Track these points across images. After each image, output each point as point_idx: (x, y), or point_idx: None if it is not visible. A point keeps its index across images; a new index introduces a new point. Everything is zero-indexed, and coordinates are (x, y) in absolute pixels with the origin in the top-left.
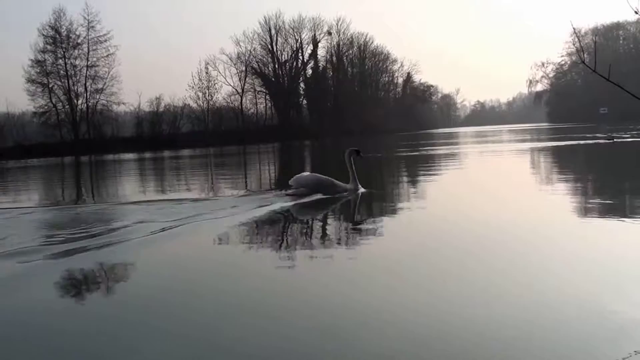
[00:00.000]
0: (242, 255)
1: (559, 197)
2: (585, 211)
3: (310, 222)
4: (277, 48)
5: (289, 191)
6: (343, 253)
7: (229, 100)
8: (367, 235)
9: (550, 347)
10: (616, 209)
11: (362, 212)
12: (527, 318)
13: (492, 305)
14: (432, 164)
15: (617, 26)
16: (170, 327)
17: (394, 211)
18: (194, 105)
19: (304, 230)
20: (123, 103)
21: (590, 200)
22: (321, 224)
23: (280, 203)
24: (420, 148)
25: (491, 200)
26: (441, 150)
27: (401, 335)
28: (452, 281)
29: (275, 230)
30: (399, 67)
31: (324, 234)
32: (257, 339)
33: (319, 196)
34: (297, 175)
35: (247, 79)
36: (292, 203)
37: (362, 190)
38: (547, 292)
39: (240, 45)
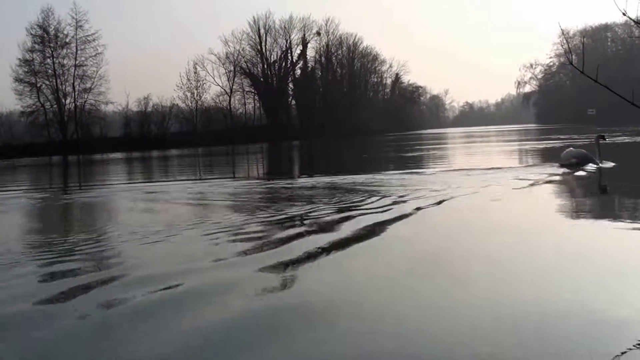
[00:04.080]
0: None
1: None
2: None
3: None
4: (266, 48)
5: (563, 163)
6: None
7: (217, 101)
8: None
9: (544, 346)
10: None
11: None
12: (524, 317)
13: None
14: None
15: (606, 28)
16: None
17: None
18: (182, 105)
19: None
20: (111, 103)
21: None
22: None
23: (559, 170)
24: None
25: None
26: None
27: None
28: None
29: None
30: (388, 68)
31: None
32: None
33: (588, 166)
34: (567, 150)
35: (235, 79)
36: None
37: (607, 164)
38: (545, 292)
39: (228, 45)
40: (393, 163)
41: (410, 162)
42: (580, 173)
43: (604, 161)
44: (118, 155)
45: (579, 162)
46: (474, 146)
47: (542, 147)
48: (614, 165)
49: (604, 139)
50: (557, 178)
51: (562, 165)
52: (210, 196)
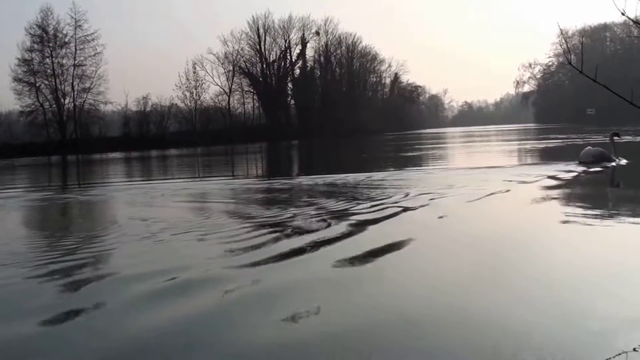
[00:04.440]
0: None
1: None
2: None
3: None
4: (265, 48)
5: (581, 160)
6: None
7: (216, 100)
8: None
9: (542, 345)
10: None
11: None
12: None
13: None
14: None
15: (605, 27)
16: None
17: None
18: (181, 105)
19: None
20: (110, 102)
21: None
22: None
23: (581, 168)
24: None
25: None
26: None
27: None
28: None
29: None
30: (387, 68)
31: None
32: None
33: (607, 164)
34: (586, 149)
35: (234, 79)
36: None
37: (623, 161)
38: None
39: (227, 45)
40: (394, 162)
41: (421, 160)
42: (601, 170)
43: (620, 158)
44: (117, 154)
45: (598, 160)
46: (477, 145)
47: (543, 146)
48: (627, 163)
49: (619, 137)
50: (581, 176)
51: (581, 163)
52: (211, 196)
